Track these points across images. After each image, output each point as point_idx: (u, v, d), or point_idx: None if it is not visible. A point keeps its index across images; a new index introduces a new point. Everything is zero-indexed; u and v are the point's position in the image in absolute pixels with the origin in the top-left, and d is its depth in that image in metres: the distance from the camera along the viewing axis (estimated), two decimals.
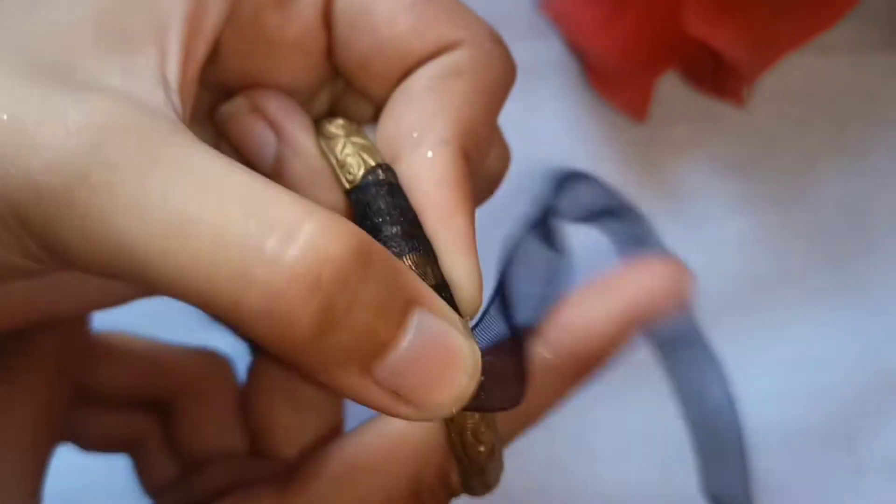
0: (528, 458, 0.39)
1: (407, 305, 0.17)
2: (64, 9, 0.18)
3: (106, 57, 0.18)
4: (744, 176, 0.40)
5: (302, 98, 0.23)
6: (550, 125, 0.39)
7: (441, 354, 0.17)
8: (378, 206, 0.20)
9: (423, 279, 0.19)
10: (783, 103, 0.40)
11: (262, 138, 0.22)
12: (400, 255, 0.20)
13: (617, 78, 0.36)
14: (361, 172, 0.21)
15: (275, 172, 0.22)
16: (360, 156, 0.21)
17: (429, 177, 0.20)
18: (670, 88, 0.39)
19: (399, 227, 0.20)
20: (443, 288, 0.20)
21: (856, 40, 0.40)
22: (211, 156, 0.16)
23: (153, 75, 0.18)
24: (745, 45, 0.33)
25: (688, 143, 0.40)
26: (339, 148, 0.21)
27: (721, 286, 0.39)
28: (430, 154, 0.20)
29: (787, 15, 0.34)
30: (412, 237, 0.20)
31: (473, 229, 0.21)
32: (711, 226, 0.40)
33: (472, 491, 0.24)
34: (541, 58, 0.39)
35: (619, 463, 0.39)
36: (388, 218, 0.20)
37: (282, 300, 0.15)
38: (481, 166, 0.22)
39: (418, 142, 0.20)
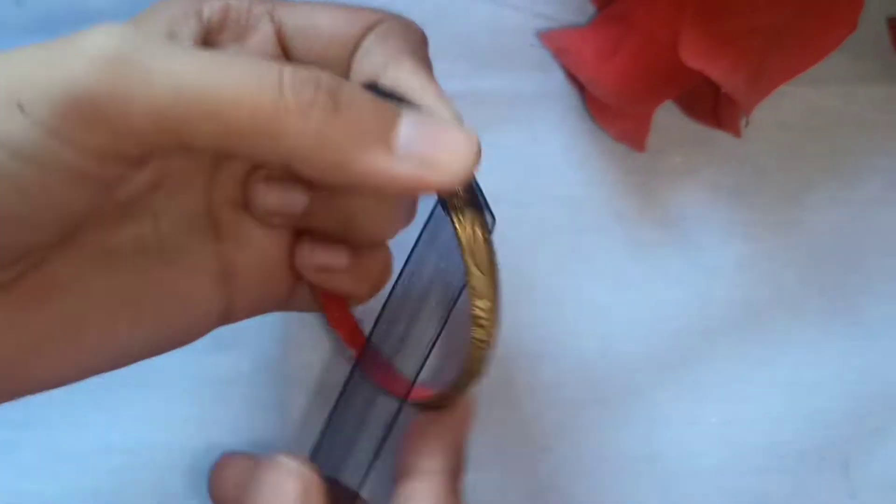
0: (526, 480, 0.39)
1: (396, 111, 0.23)
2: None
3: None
4: (740, 203, 0.41)
5: None
6: (552, 154, 0.40)
7: (442, 128, 0.23)
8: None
9: None
10: (777, 132, 0.41)
11: None
12: None
13: (616, 109, 0.37)
14: None
15: None
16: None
17: (410, 74, 0.27)
18: (668, 117, 0.40)
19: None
20: None
21: (847, 72, 0.41)
22: (208, 51, 0.22)
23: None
24: (741, 77, 0.34)
25: (685, 171, 0.41)
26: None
27: (718, 311, 0.40)
28: (401, 66, 0.27)
29: (781, 48, 0.35)
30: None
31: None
32: (709, 252, 0.40)
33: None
34: (542, 88, 0.40)
35: (618, 486, 0.40)
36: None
37: (297, 104, 0.21)
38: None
39: (385, 64, 0.27)
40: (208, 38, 0.27)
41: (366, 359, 0.31)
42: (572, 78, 0.39)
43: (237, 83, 0.21)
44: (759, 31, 0.34)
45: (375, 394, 0.31)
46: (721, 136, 0.40)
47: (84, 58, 0.20)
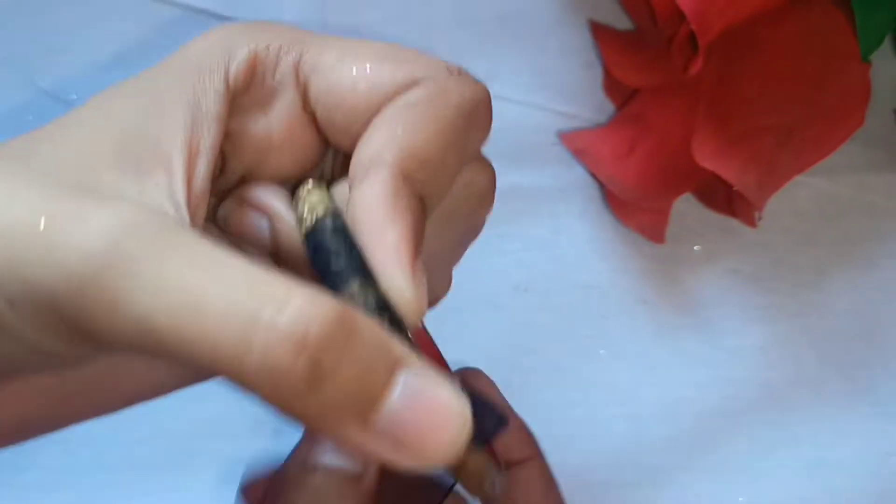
0: None
1: (394, 363, 0.19)
2: (86, 138, 0.22)
3: (123, 177, 0.22)
4: (759, 288, 0.42)
5: (304, 176, 0.26)
6: (576, 244, 0.42)
7: (431, 405, 0.19)
8: (325, 248, 0.22)
9: (364, 304, 0.21)
10: (793, 220, 0.42)
11: (255, 223, 0.25)
12: (342, 287, 0.21)
13: (635, 204, 0.39)
14: (312, 222, 0.23)
15: (274, 247, 0.25)
16: (313, 208, 0.24)
17: (364, 200, 0.22)
18: (687, 207, 0.42)
19: (343, 261, 0.22)
20: (385, 309, 0.21)
21: (859, 161, 0.42)
22: (213, 246, 0.19)
23: (164, 194, 0.22)
24: (752, 176, 0.35)
25: (705, 258, 0.42)
26: (300, 206, 0.24)
27: (740, 392, 0.42)
28: (369, 178, 0.22)
29: (791, 146, 0.37)
30: (354, 269, 0.22)
31: (412, 243, 0.22)
32: (730, 336, 0.42)
33: None
34: (565, 183, 0.42)
35: None
36: (333, 257, 0.22)
37: (276, 359, 0.18)
38: (441, 187, 0.24)
39: (366, 171, 0.23)
40: (233, 103, 0.25)
41: None
42: (593, 173, 0.41)
43: (215, 327, 0.18)
44: (768, 131, 0.36)
45: None
46: (739, 224, 0.41)
47: (73, 263, 0.19)
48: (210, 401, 0.38)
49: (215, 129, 0.23)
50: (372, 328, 0.19)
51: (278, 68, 0.25)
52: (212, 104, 0.23)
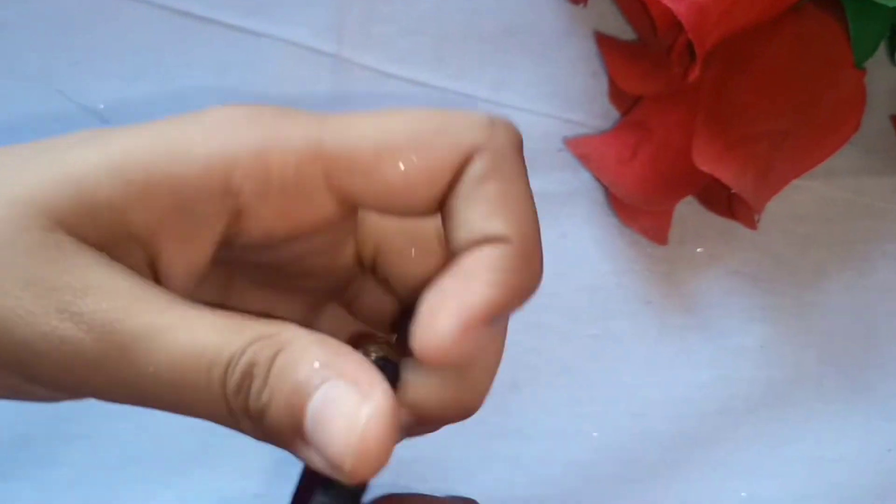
0: None
1: (313, 379, 0.21)
2: (53, 170, 0.22)
3: (87, 232, 0.22)
4: (759, 289, 0.44)
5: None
6: (581, 247, 0.43)
7: (336, 411, 0.21)
8: None
9: None
10: (792, 223, 0.44)
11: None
12: None
13: (638, 208, 0.41)
14: None
15: None
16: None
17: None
18: (689, 210, 0.43)
19: None
20: None
21: (857, 165, 0.44)
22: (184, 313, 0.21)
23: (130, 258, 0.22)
24: (749, 179, 0.37)
25: (707, 260, 0.44)
26: None
27: (742, 390, 0.43)
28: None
29: (788, 150, 0.38)
30: None
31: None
32: (731, 336, 0.43)
33: None
34: (570, 187, 0.43)
35: None
36: None
37: (225, 410, 0.21)
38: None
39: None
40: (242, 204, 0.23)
41: None
42: (597, 178, 0.43)
43: (188, 398, 0.21)
44: (765, 136, 0.38)
45: None
46: (739, 227, 0.43)
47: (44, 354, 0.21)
48: None
49: (212, 225, 0.23)
50: (303, 349, 0.21)
51: (300, 180, 0.23)
52: (206, 206, 0.22)
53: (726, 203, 0.41)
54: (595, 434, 0.43)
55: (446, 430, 0.42)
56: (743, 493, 0.42)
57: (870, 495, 0.42)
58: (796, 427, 0.43)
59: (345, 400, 0.20)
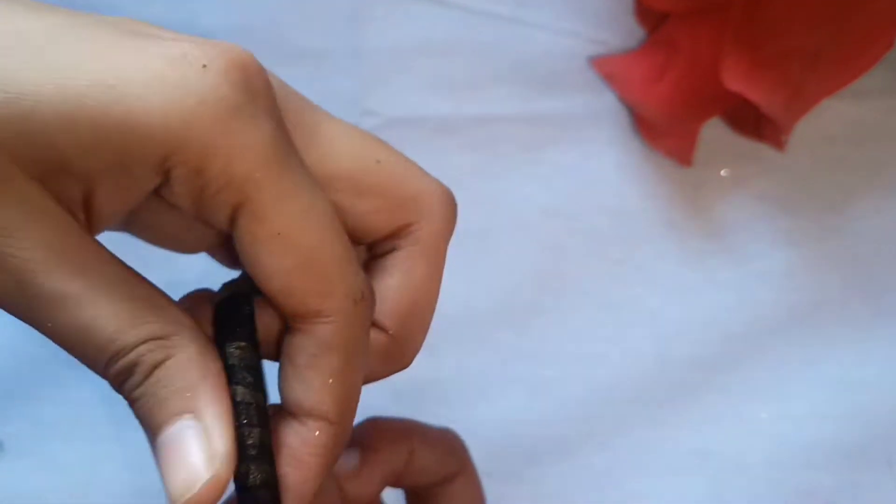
0: (585, 473, 0.42)
1: (178, 409, 0.22)
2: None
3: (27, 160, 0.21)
4: (785, 212, 0.43)
5: None
6: (604, 169, 0.43)
7: (176, 457, 0.22)
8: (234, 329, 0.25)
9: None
10: (821, 144, 0.43)
11: None
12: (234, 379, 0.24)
13: (663, 128, 0.40)
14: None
15: None
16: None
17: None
18: (715, 132, 0.43)
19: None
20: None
21: (888, 86, 0.43)
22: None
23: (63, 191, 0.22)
24: (779, 98, 0.36)
25: (732, 183, 0.43)
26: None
27: (766, 313, 0.43)
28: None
29: (819, 68, 0.37)
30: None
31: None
32: (756, 260, 0.43)
33: None
34: (594, 109, 0.43)
35: (671, 479, 0.42)
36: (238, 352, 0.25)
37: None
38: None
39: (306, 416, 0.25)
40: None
41: None
42: (622, 99, 0.42)
43: (83, 357, 0.22)
44: (796, 54, 0.37)
45: None
46: (766, 149, 0.42)
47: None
48: None
49: (138, 188, 0.23)
50: (182, 372, 0.23)
51: (220, 195, 0.22)
52: (141, 172, 0.22)
53: (754, 124, 0.41)
54: (616, 357, 0.43)
55: (467, 354, 0.42)
56: (763, 415, 0.42)
57: (890, 418, 0.42)
58: (818, 350, 0.42)
59: (193, 450, 0.22)
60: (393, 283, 0.26)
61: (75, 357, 0.22)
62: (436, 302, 0.27)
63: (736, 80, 0.36)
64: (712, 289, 0.43)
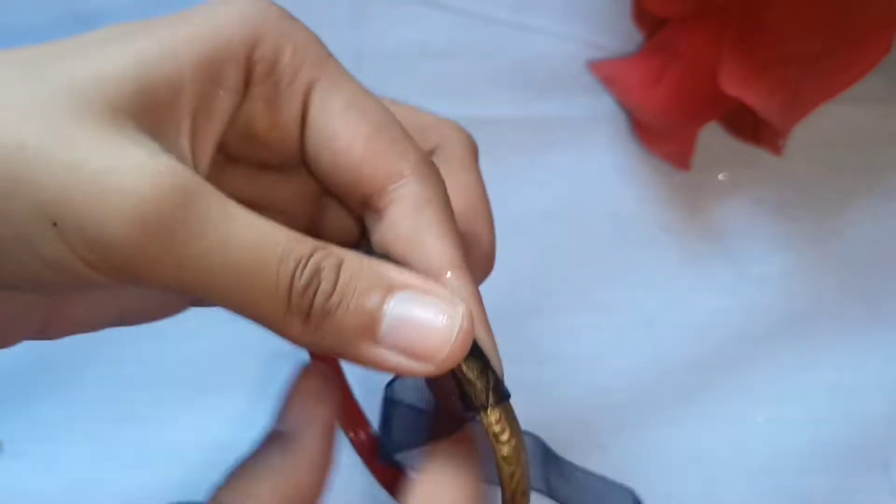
0: None
1: (386, 289, 0.23)
2: (107, 66, 0.22)
3: (143, 119, 0.22)
4: (782, 217, 0.43)
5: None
6: (602, 172, 0.43)
7: (418, 320, 0.23)
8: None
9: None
10: (818, 149, 0.43)
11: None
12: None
13: (661, 132, 0.40)
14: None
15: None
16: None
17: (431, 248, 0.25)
18: (712, 136, 0.43)
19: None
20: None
21: (885, 91, 0.43)
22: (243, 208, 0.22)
23: (175, 147, 0.23)
24: (777, 103, 0.36)
25: (730, 187, 0.43)
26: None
27: (762, 317, 0.43)
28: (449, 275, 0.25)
29: (816, 73, 0.37)
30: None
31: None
32: (753, 263, 0.43)
33: None
34: (593, 112, 0.43)
35: (669, 481, 0.42)
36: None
37: (296, 313, 0.22)
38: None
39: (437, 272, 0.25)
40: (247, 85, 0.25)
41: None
42: (620, 103, 0.42)
43: (249, 282, 0.22)
44: (794, 59, 0.37)
45: None
46: (763, 153, 0.42)
47: (123, 213, 0.21)
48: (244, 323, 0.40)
49: (230, 100, 0.24)
50: (364, 265, 0.23)
51: (294, 83, 0.25)
52: (232, 76, 0.24)
53: (751, 128, 0.41)
54: (614, 359, 0.43)
55: None
56: (760, 419, 0.43)
57: (886, 422, 0.42)
58: (815, 354, 0.43)
59: (434, 305, 0.23)
60: None
61: (243, 292, 0.22)
62: (488, 199, 0.28)
63: (733, 85, 0.36)
64: (708, 292, 0.43)
